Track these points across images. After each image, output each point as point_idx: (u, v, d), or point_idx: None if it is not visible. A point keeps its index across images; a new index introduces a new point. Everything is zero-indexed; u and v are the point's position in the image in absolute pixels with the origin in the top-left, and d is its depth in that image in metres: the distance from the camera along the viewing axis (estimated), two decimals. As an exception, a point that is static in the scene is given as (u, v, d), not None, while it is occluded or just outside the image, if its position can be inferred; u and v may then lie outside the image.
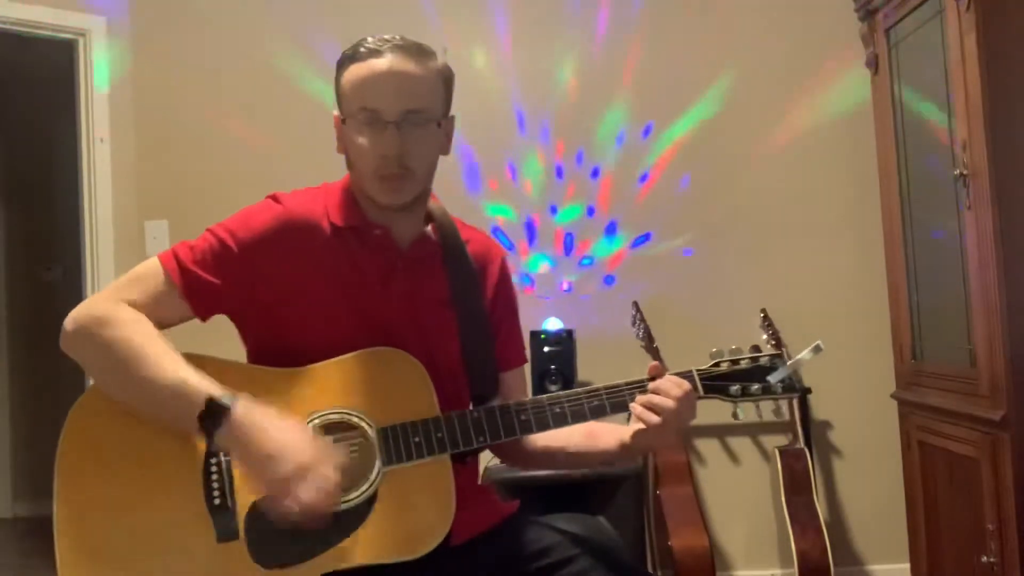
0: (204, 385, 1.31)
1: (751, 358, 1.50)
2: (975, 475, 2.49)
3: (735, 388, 1.48)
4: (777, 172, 3.44)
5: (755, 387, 1.48)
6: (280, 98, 3.48)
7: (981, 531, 2.46)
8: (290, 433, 1.30)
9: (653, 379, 1.45)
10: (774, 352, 1.51)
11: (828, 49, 3.39)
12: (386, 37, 1.47)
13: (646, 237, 3.46)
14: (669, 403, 1.40)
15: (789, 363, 1.48)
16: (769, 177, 3.44)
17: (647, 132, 3.47)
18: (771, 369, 1.48)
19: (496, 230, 3.42)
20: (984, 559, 2.43)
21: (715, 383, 1.48)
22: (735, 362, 1.49)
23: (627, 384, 1.46)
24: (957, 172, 2.48)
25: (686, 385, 1.42)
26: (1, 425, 5.11)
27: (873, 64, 3.06)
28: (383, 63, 1.44)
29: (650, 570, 3.11)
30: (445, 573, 1.40)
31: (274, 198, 1.49)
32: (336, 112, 1.51)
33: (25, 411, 5.11)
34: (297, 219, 1.46)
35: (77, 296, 3.46)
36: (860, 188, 3.30)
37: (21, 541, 4.66)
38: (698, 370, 1.48)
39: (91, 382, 1.42)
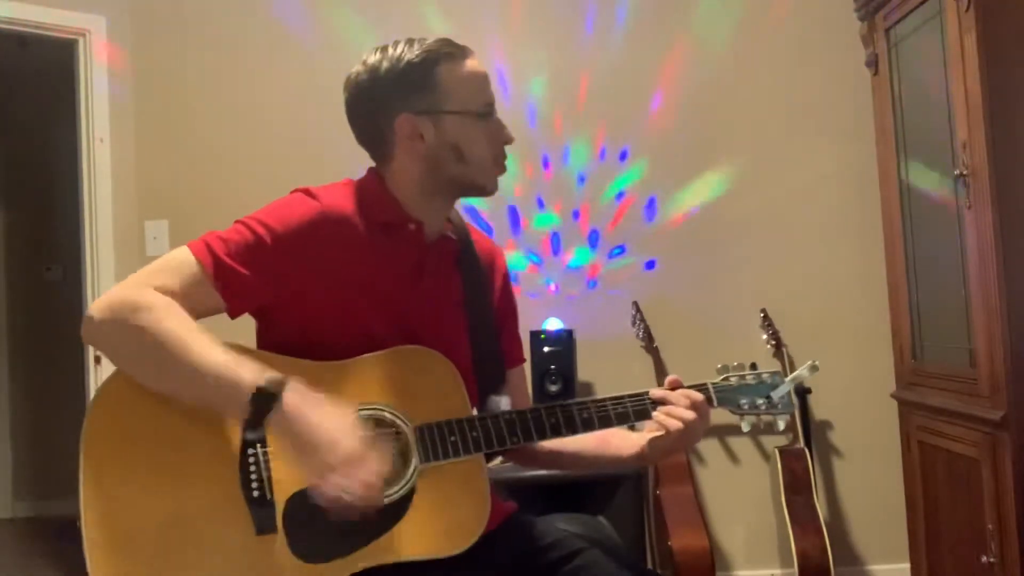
0: (252, 370, 1.28)
1: (754, 374, 1.58)
2: (975, 475, 2.49)
3: (744, 401, 1.56)
4: (777, 172, 3.44)
5: (760, 401, 1.57)
6: (280, 98, 3.49)
7: (981, 531, 2.47)
8: (340, 422, 1.29)
9: (673, 391, 1.51)
10: (773, 370, 1.60)
11: (828, 49, 3.39)
12: (443, 39, 1.52)
13: (648, 235, 3.47)
14: (690, 414, 1.46)
15: (787, 380, 1.57)
16: (769, 177, 3.44)
17: (638, 137, 3.47)
18: (774, 385, 1.57)
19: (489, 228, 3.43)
20: (984, 559, 2.43)
21: (726, 395, 1.55)
22: (742, 377, 1.57)
23: (649, 395, 1.51)
24: (957, 172, 2.48)
25: (700, 396, 1.50)
26: (1, 425, 5.11)
27: (873, 64, 3.06)
28: (474, 62, 1.52)
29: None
30: (455, 570, 1.40)
31: (307, 192, 1.47)
32: (409, 115, 1.48)
33: (25, 411, 5.11)
34: (333, 215, 1.44)
35: (77, 296, 3.49)
36: (860, 188, 3.31)
37: (21, 541, 4.67)
38: (712, 383, 1.55)
39: (100, 376, 1.41)
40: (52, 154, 4.90)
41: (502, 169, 1.55)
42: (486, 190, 1.54)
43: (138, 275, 1.38)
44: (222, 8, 3.53)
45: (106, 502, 1.31)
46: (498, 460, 1.63)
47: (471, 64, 1.51)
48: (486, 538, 1.46)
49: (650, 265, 3.45)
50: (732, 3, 3.48)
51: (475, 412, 1.50)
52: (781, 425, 1.62)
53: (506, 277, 1.68)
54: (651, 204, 3.47)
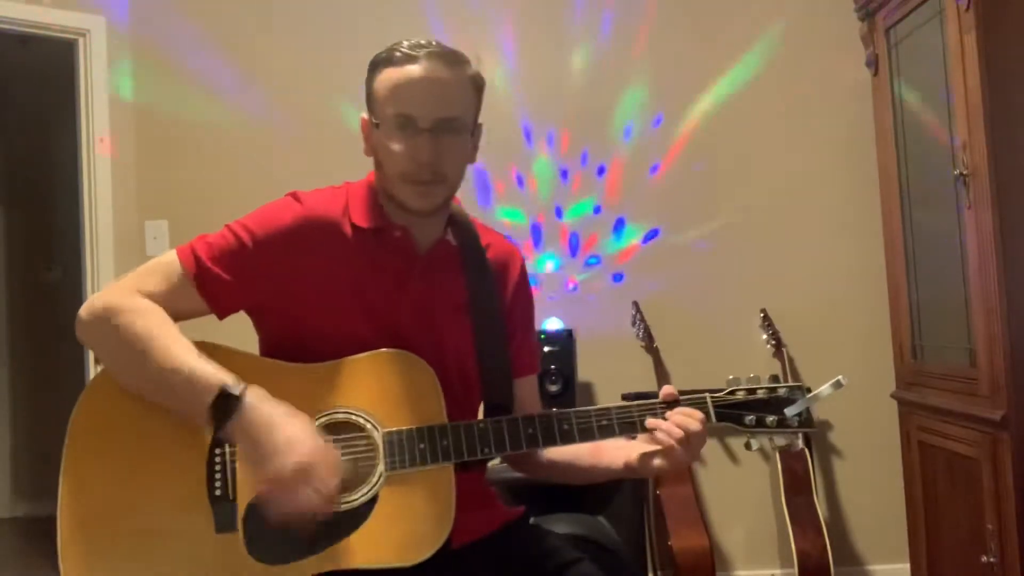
0: (216, 374, 1.31)
1: (768, 388, 1.47)
2: (975, 475, 2.49)
3: (750, 418, 1.46)
4: (777, 172, 3.44)
5: (770, 419, 1.46)
6: (280, 97, 3.48)
7: (981, 531, 2.46)
8: (297, 431, 1.30)
9: (666, 403, 1.44)
10: (794, 384, 1.49)
11: (828, 49, 3.39)
12: (421, 43, 1.45)
13: (648, 237, 3.46)
14: (678, 432, 1.40)
15: (808, 397, 1.45)
16: (769, 177, 3.44)
17: (646, 133, 3.47)
18: (789, 401, 1.46)
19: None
20: (984, 559, 2.43)
21: (729, 411, 1.46)
22: (751, 391, 1.47)
23: (638, 406, 1.45)
24: (957, 172, 2.48)
25: (700, 416, 1.42)
26: (1, 425, 5.11)
27: (873, 64, 3.06)
28: (418, 69, 1.43)
29: (650, 570, 3.11)
30: (446, 575, 1.39)
31: (294, 196, 1.48)
32: (365, 115, 1.51)
33: (25, 411, 5.11)
34: (316, 219, 1.45)
35: (77, 296, 3.49)
36: (860, 188, 3.30)
37: (21, 541, 4.66)
38: (712, 396, 1.46)
39: (99, 369, 1.43)
40: (52, 154, 4.90)
41: (415, 187, 1.44)
42: (405, 206, 1.46)
43: (126, 278, 1.43)
44: (222, 8, 3.53)
45: (81, 494, 1.34)
46: (497, 460, 1.61)
47: (405, 71, 1.43)
48: (481, 543, 1.46)
49: (650, 266, 3.45)
50: (732, 3, 3.48)
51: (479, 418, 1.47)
52: (798, 444, 1.50)
53: (521, 280, 1.61)
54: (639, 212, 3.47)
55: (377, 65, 1.47)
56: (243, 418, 1.29)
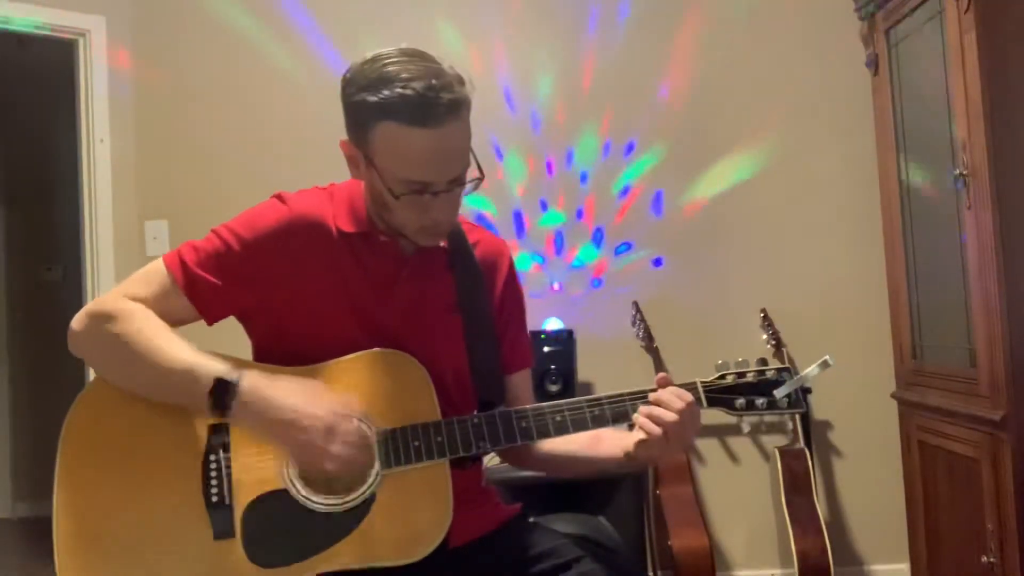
0: (211, 365, 1.33)
1: (757, 371, 1.47)
2: (975, 475, 2.49)
3: (740, 401, 1.46)
4: (777, 172, 3.44)
5: (760, 401, 1.46)
6: (280, 97, 3.48)
7: (981, 531, 2.46)
8: (303, 396, 1.32)
9: (656, 390, 1.43)
10: (781, 366, 1.49)
11: (828, 49, 3.39)
12: (416, 86, 1.31)
13: (647, 238, 3.47)
14: (671, 416, 1.37)
15: (796, 378, 1.46)
16: (769, 177, 3.44)
17: (641, 137, 3.48)
18: (777, 383, 1.46)
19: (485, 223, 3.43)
20: (984, 559, 2.43)
21: (719, 396, 1.46)
22: (741, 375, 1.47)
23: (630, 394, 1.44)
24: (957, 172, 2.48)
25: (688, 397, 1.39)
26: (1, 425, 5.11)
27: (873, 64, 3.06)
28: (431, 138, 1.33)
29: (650, 570, 3.11)
30: (442, 574, 1.40)
31: (279, 198, 1.48)
32: (344, 139, 1.44)
33: (25, 411, 5.11)
34: (302, 220, 1.45)
35: (77, 296, 3.49)
36: (860, 188, 3.30)
37: (21, 541, 4.66)
38: (702, 382, 1.46)
39: (93, 377, 1.43)
40: (52, 154, 4.90)
41: (431, 238, 1.45)
42: (414, 242, 1.46)
43: (115, 288, 1.45)
44: (222, 7, 3.53)
45: (77, 502, 1.35)
46: (496, 460, 1.61)
47: (416, 138, 1.33)
48: (480, 542, 1.46)
49: (650, 265, 3.45)
50: (732, 4, 3.48)
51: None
52: (791, 424, 1.48)
53: (510, 277, 1.60)
54: (652, 204, 3.46)
55: (374, 110, 1.34)
56: (245, 402, 1.31)
